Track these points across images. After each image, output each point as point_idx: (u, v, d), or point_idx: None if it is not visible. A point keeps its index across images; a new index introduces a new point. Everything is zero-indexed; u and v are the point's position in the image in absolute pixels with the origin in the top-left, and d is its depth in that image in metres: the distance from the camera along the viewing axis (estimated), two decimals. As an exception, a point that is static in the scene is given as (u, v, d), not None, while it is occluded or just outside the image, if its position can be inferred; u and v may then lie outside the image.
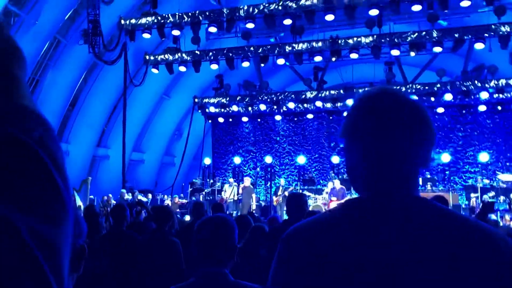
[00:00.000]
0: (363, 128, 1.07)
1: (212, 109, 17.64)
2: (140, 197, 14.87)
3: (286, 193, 14.86)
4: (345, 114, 1.16)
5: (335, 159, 17.23)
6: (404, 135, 1.05)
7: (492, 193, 13.64)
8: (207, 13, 13.91)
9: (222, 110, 17.49)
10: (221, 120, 18.57)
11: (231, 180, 15.41)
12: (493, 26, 12.65)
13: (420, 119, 1.07)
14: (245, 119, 18.51)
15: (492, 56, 14.29)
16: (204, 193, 15.56)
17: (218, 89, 17.21)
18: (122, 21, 14.15)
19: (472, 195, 14.25)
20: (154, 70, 15.33)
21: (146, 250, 4.24)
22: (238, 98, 17.10)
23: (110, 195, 14.51)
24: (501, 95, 15.00)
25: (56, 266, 0.47)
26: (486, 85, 14.74)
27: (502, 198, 13.13)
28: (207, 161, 18.55)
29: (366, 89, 1.17)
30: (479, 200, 13.77)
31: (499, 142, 16.13)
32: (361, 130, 1.08)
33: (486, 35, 12.84)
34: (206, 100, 17.40)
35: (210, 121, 18.63)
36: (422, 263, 0.96)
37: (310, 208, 12.97)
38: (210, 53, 14.81)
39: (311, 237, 1.06)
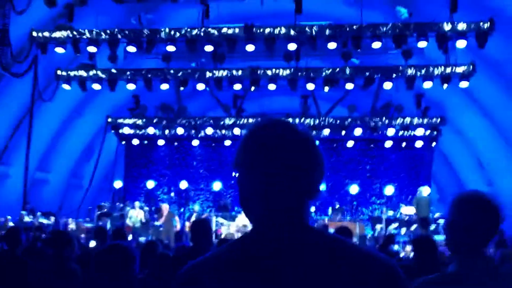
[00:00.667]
0: (253, 158, 1.08)
1: (126, 130, 17.16)
2: (41, 220, 13.95)
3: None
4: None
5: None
6: (292, 166, 1.06)
7: (395, 224, 14.57)
8: (127, 32, 13.71)
9: (138, 131, 17.10)
10: (135, 142, 18.11)
11: (136, 203, 14.98)
12: (400, 68, 13.76)
13: (309, 150, 1.09)
14: (161, 142, 18.20)
15: (398, 95, 15.48)
16: (112, 217, 14.94)
17: (133, 110, 16.82)
18: (34, 33, 13.50)
19: (378, 226, 15.11)
20: (66, 86, 14.70)
21: (41, 277, 4.01)
22: (155, 120, 16.82)
23: (9, 217, 13.46)
24: (405, 133, 16.24)
25: None
26: (393, 122, 15.89)
27: (403, 229, 14.05)
28: (118, 184, 17.91)
29: (258, 120, 1.18)
30: (383, 231, 14.63)
31: (403, 177, 17.36)
32: (251, 161, 1.09)
33: (394, 75, 13.92)
34: (121, 120, 16.92)
35: (123, 142, 18.11)
36: None
37: (223, 236, 12.96)
38: (128, 73, 14.53)
39: (203, 276, 1.07)
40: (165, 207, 14.61)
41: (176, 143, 18.26)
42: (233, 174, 1.17)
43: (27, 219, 13.29)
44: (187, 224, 14.33)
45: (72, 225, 14.49)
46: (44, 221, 14.29)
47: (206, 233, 4.00)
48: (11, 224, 12.50)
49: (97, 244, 4.91)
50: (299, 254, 1.03)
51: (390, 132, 16.18)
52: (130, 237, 12.74)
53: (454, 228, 1.86)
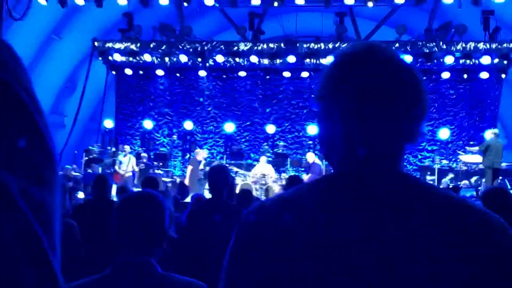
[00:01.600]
0: (346, 91, 1.11)
1: (117, 57, 17.01)
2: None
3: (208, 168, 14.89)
4: (327, 69, 1.19)
5: (270, 129, 17.42)
6: (395, 106, 1.11)
7: (450, 175, 14.52)
8: None
9: (131, 59, 16.92)
10: (128, 72, 17.99)
11: (127, 147, 15.11)
12: (465, -23, 13.19)
13: (414, 89, 1.13)
14: (160, 72, 18.04)
15: (461, 13, 14.95)
16: (103, 164, 15.14)
17: (126, 32, 16.59)
18: None
19: (428, 177, 15.09)
20: (41, 1, 14.48)
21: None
22: (152, 45, 16.63)
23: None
24: (468, 61, 15.81)
25: (49, 227, 0.56)
26: (453, 48, 15.44)
27: (464, 182, 13.99)
28: (109, 123, 18.01)
29: (348, 44, 1.23)
30: (435, 183, 14.60)
31: (462, 117, 17.09)
32: (343, 94, 1.12)
33: (457, -13, 13.36)
34: (110, 44, 16.73)
35: (114, 72, 18.01)
36: (414, 249, 1.03)
37: (238, 188, 13.08)
38: (118, -16, 14.23)
39: (279, 217, 1.10)
40: (202, 153, 14.86)
41: (178, 74, 18.09)
42: (315, 108, 1.20)
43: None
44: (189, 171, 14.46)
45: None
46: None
47: (226, 181, 4.06)
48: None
49: (95, 195, 4.90)
50: (397, 203, 1.08)
51: (449, 60, 15.77)
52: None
53: None
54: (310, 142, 16.76)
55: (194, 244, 3.99)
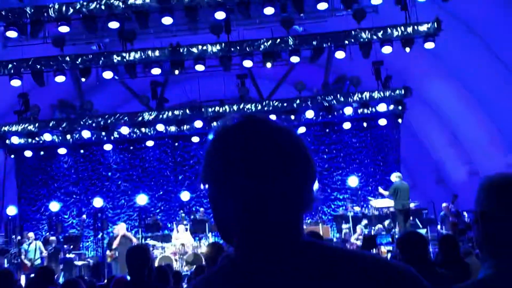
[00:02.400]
0: (233, 168, 1.08)
1: (15, 140, 16.23)
2: None
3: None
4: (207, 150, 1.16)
5: (185, 196, 17.10)
6: (284, 173, 1.07)
7: (364, 221, 14.80)
8: (3, 13, 12.94)
9: (30, 140, 16.20)
10: (28, 154, 17.18)
11: (31, 234, 14.23)
12: (353, 32, 13.90)
13: (299, 151, 1.11)
14: (62, 151, 17.39)
15: (353, 66, 15.68)
16: (9, 255, 14.08)
17: (22, 113, 15.90)
18: None
19: (344, 226, 15.30)
20: None
21: None
22: (51, 124, 16.03)
23: None
24: (366, 110, 16.48)
25: None
26: (350, 99, 16.07)
27: (378, 226, 14.30)
28: (11, 210, 16.90)
29: (224, 118, 1.18)
30: (351, 231, 14.82)
31: (367, 163, 17.68)
32: (230, 171, 1.08)
33: (347, 42, 14.04)
34: (6, 128, 15.94)
35: (12, 156, 17.15)
36: None
37: (157, 261, 12.58)
38: (10, 65, 13.78)
39: None
40: (121, 227, 14.10)
41: (82, 151, 17.51)
42: (202, 187, 1.16)
43: None
44: (108, 253, 13.79)
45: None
46: None
47: (146, 262, 3.97)
48: None
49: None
50: (306, 276, 1.05)
51: (348, 111, 16.39)
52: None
53: (489, 220, 1.84)
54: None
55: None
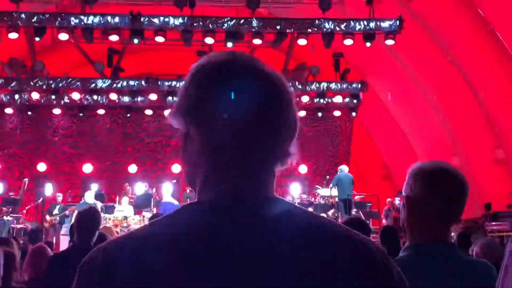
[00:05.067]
0: (211, 106, 1.03)
1: (-40, 95, 15.64)
2: None
3: (67, 212, 13.98)
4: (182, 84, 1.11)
5: (132, 169, 16.88)
6: (262, 119, 1.03)
7: (310, 209, 14.97)
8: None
9: (-24, 96, 15.66)
10: (-27, 110, 16.60)
11: None
12: (317, 21, 13.95)
13: (281, 101, 1.07)
14: (9, 111, 16.85)
15: (314, 55, 15.78)
16: None
17: (-30, 67, 15.36)
18: None
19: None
20: None
21: None
22: (0, 81, 15.50)
23: None
24: (322, 100, 16.64)
25: None
26: (307, 87, 16.19)
27: (323, 214, 14.51)
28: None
29: (210, 54, 1.11)
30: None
31: (318, 154, 17.89)
32: (207, 109, 1.03)
33: (310, 30, 14.07)
34: (-49, 81, 15.35)
35: (-44, 112, 16.52)
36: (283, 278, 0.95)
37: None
38: (-40, 16, 13.16)
39: (134, 257, 0.97)
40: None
41: (30, 112, 17.00)
42: (175, 123, 1.11)
43: None
44: (48, 218, 13.50)
45: None
46: None
47: (97, 225, 3.95)
48: None
49: None
50: (264, 231, 0.99)
51: (304, 99, 16.50)
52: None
53: (413, 205, 1.91)
54: (174, 180, 16.42)
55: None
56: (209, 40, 14.48)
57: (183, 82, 1.10)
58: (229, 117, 1.01)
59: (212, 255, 0.96)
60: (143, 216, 14.24)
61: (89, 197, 13.55)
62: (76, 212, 14.14)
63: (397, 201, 14.36)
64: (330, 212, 14.69)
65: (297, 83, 16.20)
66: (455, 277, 1.82)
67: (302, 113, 17.53)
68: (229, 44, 14.54)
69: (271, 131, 1.05)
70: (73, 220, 13.71)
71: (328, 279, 0.95)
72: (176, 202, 13.93)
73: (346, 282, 0.96)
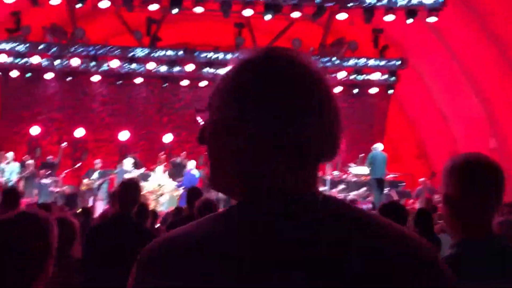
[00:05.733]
0: (248, 105, 1.00)
1: (2, 58, 15.96)
2: None
3: (104, 178, 14.28)
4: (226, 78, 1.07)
5: (168, 138, 17.09)
6: (313, 115, 1.00)
7: (341, 186, 15.02)
8: None
9: (18, 60, 15.95)
10: (14, 74, 16.90)
11: (9, 154, 13.90)
12: (359, -4, 13.77)
13: (326, 93, 1.04)
14: (49, 76, 17.14)
15: (353, 31, 15.58)
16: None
17: (13, 31, 15.61)
18: None
19: (320, 188, 15.48)
20: None
21: None
22: (41, 47, 15.78)
23: None
24: (359, 76, 16.49)
25: None
26: (345, 63, 16.04)
27: (354, 192, 14.54)
28: (-8, 128, 16.82)
29: (244, 50, 1.08)
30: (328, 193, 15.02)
31: (352, 130, 17.75)
32: (245, 108, 1.00)
33: (351, 4, 13.89)
34: (-5, 44, 15.70)
35: (-1, 73, 16.93)
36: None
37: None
38: (4, -20, 13.39)
39: (193, 253, 0.98)
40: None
41: (69, 78, 17.26)
42: (203, 119, 1.08)
43: None
44: (86, 182, 13.84)
45: None
46: None
47: (138, 198, 3.92)
48: None
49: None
50: (313, 232, 0.96)
51: (341, 75, 16.36)
52: None
53: (452, 203, 1.93)
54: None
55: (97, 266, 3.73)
56: (247, 12, 14.45)
57: (221, 79, 1.07)
58: (271, 117, 0.98)
59: (269, 258, 0.94)
60: (177, 185, 14.50)
61: (128, 164, 13.81)
62: (113, 178, 14.56)
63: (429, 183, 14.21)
64: (362, 190, 14.67)
65: (334, 58, 16.07)
66: (504, 269, 1.82)
67: (338, 89, 17.43)
68: (268, 17, 14.50)
69: (317, 126, 1.01)
70: (108, 186, 14.10)
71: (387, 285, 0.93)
72: (197, 174, 14.10)
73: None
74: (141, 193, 4.17)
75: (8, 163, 13.33)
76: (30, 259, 1.64)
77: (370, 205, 13.06)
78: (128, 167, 13.72)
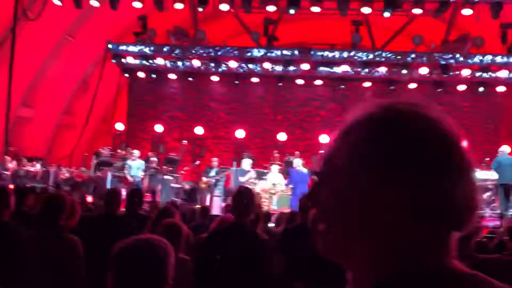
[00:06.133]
0: (400, 165, 0.92)
1: (130, 60, 16.97)
2: (28, 167, 14.20)
3: (221, 175, 14.65)
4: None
5: (282, 136, 17.23)
6: (455, 177, 0.92)
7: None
8: None
9: (144, 62, 16.89)
10: (141, 75, 17.94)
11: (136, 152, 14.62)
12: (485, -11, 13.00)
13: (463, 151, 0.95)
14: (172, 76, 18.00)
15: (478, 26, 14.73)
16: (113, 168, 15.01)
17: (140, 34, 16.54)
18: None
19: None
20: (56, 1, 14.49)
21: (31, 249, 3.93)
22: (165, 49, 16.57)
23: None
24: (484, 74, 15.57)
25: None
26: (469, 60, 15.22)
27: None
28: (120, 126, 17.93)
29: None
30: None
31: (477, 131, 16.80)
32: (396, 168, 0.92)
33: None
34: (124, 47, 16.70)
35: (126, 74, 17.98)
36: None
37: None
38: (133, -13, 14.20)
39: None
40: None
41: (191, 78, 18.00)
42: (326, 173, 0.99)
43: (10, 165, 13.45)
44: (204, 179, 14.26)
45: (66, 174, 14.67)
46: (30, 168, 14.48)
47: (251, 208, 3.94)
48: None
49: (106, 209, 4.76)
50: None
51: (465, 72, 15.55)
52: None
53: None
54: (322, 151, 16.46)
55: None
56: (366, 10, 14.17)
57: (342, 138, 0.99)
58: (405, 181, 0.90)
59: None
60: (286, 183, 14.54)
61: (246, 164, 14.09)
62: (229, 175, 14.95)
63: None
64: (486, 195, 13.83)
65: (457, 55, 15.30)
66: None
67: (462, 87, 16.62)
68: (387, 14, 14.13)
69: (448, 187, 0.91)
70: (224, 183, 14.51)
71: None
72: (305, 170, 13.96)
73: None
74: (257, 200, 4.18)
75: (134, 160, 14.12)
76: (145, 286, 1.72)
77: (494, 212, 12.33)
78: (247, 167, 14.00)
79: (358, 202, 0.92)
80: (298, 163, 13.99)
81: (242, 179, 13.60)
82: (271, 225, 8.24)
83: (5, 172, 13.39)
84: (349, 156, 0.95)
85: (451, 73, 15.72)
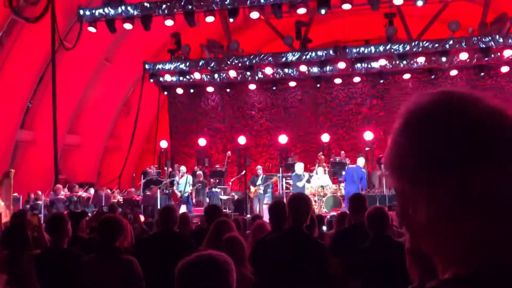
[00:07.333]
0: (436, 163, 0.87)
1: (168, 77, 17.24)
2: (80, 193, 14.54)
3: (269, 183, 14.65)
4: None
5: (325, 138, 17.12)
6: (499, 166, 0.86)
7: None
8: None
9: (181, 78, 17.11)
10: (179, 91, 18.18)
11: (182, 168, 14.84)
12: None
13: None
14: (210, 89, 18.18)
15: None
16: (162, 185, 15.22)
17: (174, 52, 16.77)
18: (46, -35, 13.50)
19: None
20: (91, 29, 14.81)
21: (93, 273, 4.02)
22: (200, 63, 16.75)
23: (39, 192, 14.08)
24: (528, 53, 15.10)
25: None
26: (510, 40, 14.80)
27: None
28: (164, 144, 18.20)
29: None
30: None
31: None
32: (437, 166, 0.87)
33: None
34: (160, 66, 16.97)
35: (165, 92, 18.25)
36: None
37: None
38: (163, 6, 14.39)
39: None
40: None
41: (228, 89, 18.14)
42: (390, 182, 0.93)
43: (63, 193, 13.81)
44: (253, 189, 14.28)
45: (117, 197, 14.96)
46: (82, 194, 14.84)
47: (307, 215, 3.92)
48: (42, 199, 13.07)
49: (162, 227, 4.81)
50: None
51: (507, 53, 15.11)
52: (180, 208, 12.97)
53: None
54: (368, 148, 16.31)
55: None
56: (398, 1, 13.97)
57: (400, 135, 0.92)
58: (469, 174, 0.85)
59: None
60: (339, 184, 14.43)
61: (299, 168, 14.05)
62: (276, 181, 14.94)
63: None
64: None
65: (497, 36, 14.89)
66: None
67: (505, 69, 16.17)
68: (420, 3, 13.87)
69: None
70: (272, 190, 14.48)
71: None
72: (361, 164, 13.76)
73: None
74: (312, 206, 4.14)
75: (182, 176, 14.29)
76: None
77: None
78: (300, 171, 13.96)
79: (448, 199, 0.86)
80: (361, 162, 13.75)
81: (299, 184, 13.59)
82: (323, 228, 8.19)
83: (59, 199, 13.76)
84: (422, 153, 0.88)
85: (492, 56, 15.31)
